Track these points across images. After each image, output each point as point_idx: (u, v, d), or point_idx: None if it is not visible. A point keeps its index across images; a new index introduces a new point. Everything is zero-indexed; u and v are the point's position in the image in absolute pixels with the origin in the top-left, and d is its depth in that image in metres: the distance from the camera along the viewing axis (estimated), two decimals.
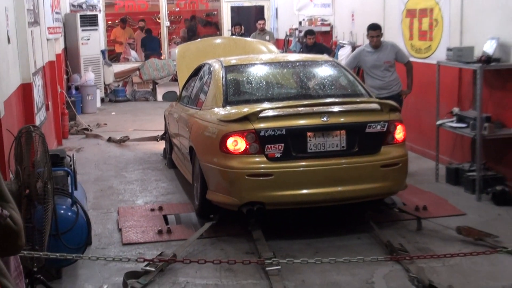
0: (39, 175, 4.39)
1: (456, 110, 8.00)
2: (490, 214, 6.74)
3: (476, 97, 7.31)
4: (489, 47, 7.34)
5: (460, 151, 8.26)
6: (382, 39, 8.70)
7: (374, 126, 6.07)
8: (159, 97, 16.27)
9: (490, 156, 7.65)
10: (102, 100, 15.83)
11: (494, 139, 7.39)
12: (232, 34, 15.66)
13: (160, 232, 6.30)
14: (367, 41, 11.08)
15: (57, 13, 11.92)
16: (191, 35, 18.14)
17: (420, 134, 9.30)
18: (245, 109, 6.10)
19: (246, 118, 5.92)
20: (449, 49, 7.82)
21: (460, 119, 7.77)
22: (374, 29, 8.61)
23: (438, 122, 8.06)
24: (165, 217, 6.83)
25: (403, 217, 6.61)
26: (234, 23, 16.06)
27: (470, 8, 8.08)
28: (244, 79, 7.00)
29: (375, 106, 6.31)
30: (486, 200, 7.13)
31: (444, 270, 5.32)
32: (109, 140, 11.10)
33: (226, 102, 6.46)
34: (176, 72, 15.54)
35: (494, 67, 7.23)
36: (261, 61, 7.44)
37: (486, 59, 7.16)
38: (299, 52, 13.04)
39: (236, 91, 6.78)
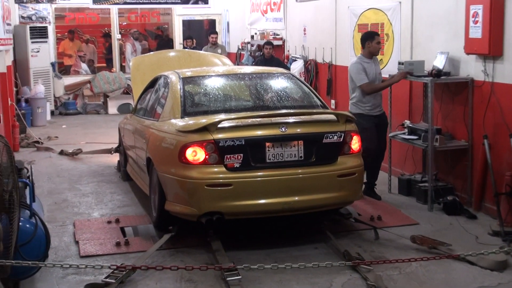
0: (2, 185, 4.33)
1: (407, 122, 8.20)
2: (442, 224, 6.92)
3: (427, 109, 7.52)
4: (439, 61, 7.56)
5: (411, 162, 8.45)
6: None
7: (331, 137, 6.18)
8: (111, 110, 16.15)
9: (441, 167, 7.86)
10: (52, 113, 15.62)
11: (444, 151, 7.61)
12: (184, 48, 15.71)
13: (118, 244, 6.26)
14: (319, 55, 11.39)
15: (8, 24, 11.75)
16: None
17: None
18: (204, 120, 6.13)
19: (205, 129, 5.96)
20: (400, 63, 7.99)
21: (412, 131, 7.95)
22: (378, 35, 8.04)
23: (390, 134, 8.24)
24: (122, 229, 6.79)
25: (359, 227, 6.74)
26: (185, 37, 16.11)
27: (420, 23, 8.32)
28: (202, 90, 7.04)
29: (331, 117, 6.44)
30: (438, 210, 7.32)
31: (400, 278, 5.45)
32: (61, 153, 10.96)
33: (184, 113, 6.48)
34: (128, 85, 15.63)
35: (444, 80, 7.45)
36: (218, 73, 7.49)
37: (437, 73, 7.37)
38: (252, 65, 13.13)
39: (194, 102, 6.81)
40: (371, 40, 7.83)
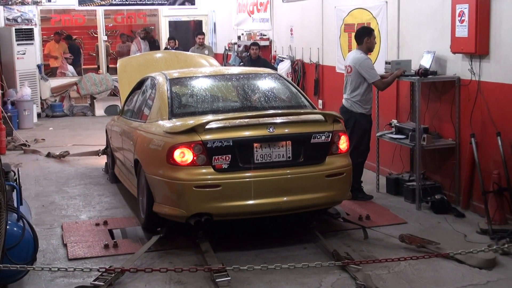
0: None
1: (394, 122, 8.22)
2: (430, 222, 6.94)
3: (414, 109, 7.54)
4: (426, 61, 7.59)
5: (398, 162, 8.47)
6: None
7: (319, 137, 6.19)
8: (98, 112, 16.08)
9: (428, 166, 7.89)
10: (39, 115, 15.53)
11: (431, 150, 7.64)
12: (166, 48, 15.73)
13: (106, 246, 6.23)
14: (306, 55, 11.40)
15: None
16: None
17: None
18: (191, 121, 6.12)
19: (193, 130, 5.94)
20: (387, 62, 8.01)
21: (399, 130, 7.97)
22: (374, 30, 7.98)
23: (378, 134, 8.26)
24: (110, 231, 6.76)
25: (347, 227, 6.75)
26: (168, 38, 16.10)
27: (407, 23, 8.34)
28: (189, 91, 7.01)
29: (319, 117, 6.45)
30: (426, 209, 7.34)
31: (389, 277, 5.46)
32: (48, 155, 10.90)
33: (172, 115, 6.47)
34: (115, 86, 15.56)
35: (431, 79, 7.47)
36: (205, 74, 7.47)
37: (424, 72, 7.39)
38: (240, 65, 13.12)
39: (181, 103, 6.79)
40: (369, 35, 7.77)
